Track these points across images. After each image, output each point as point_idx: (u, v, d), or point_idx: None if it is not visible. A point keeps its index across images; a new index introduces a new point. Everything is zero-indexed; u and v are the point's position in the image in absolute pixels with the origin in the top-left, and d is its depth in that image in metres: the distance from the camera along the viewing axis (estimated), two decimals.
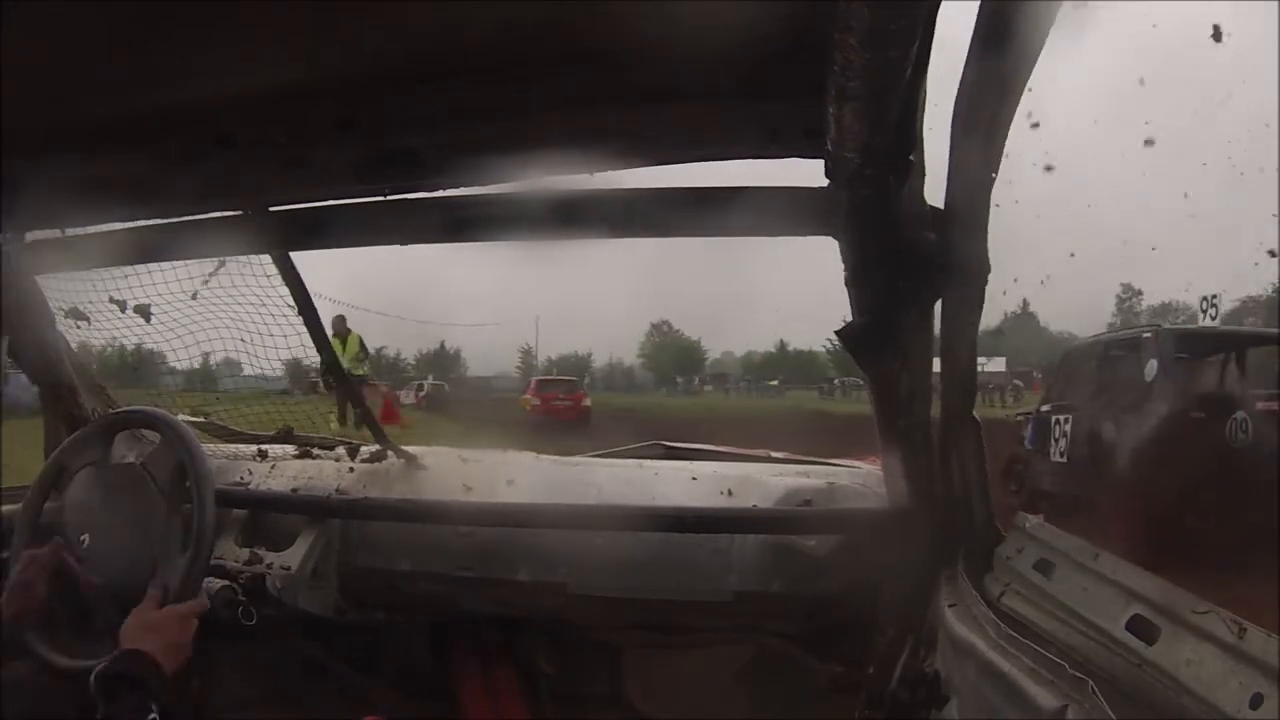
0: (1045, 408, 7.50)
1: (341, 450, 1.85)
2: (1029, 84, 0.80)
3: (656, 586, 1.52)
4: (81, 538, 1.37)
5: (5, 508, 1.57)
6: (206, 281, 1.51)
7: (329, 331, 1.67)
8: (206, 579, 1.45)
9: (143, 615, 1.16)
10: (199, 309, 1.60)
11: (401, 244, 1.27)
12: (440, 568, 1.62)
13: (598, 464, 1.78)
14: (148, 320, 1.58)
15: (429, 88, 1.01)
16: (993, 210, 0.92)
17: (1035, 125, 0.90)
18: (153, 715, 1.00)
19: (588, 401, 18.53)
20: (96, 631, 1.35)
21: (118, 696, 1.02)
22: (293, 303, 1.51)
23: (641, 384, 45.57)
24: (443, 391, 21.44)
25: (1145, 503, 4.84)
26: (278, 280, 1.50)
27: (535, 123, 1.05)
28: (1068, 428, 6.71)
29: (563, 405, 17.46)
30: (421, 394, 18.91)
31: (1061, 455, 6.76)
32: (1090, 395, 6.81)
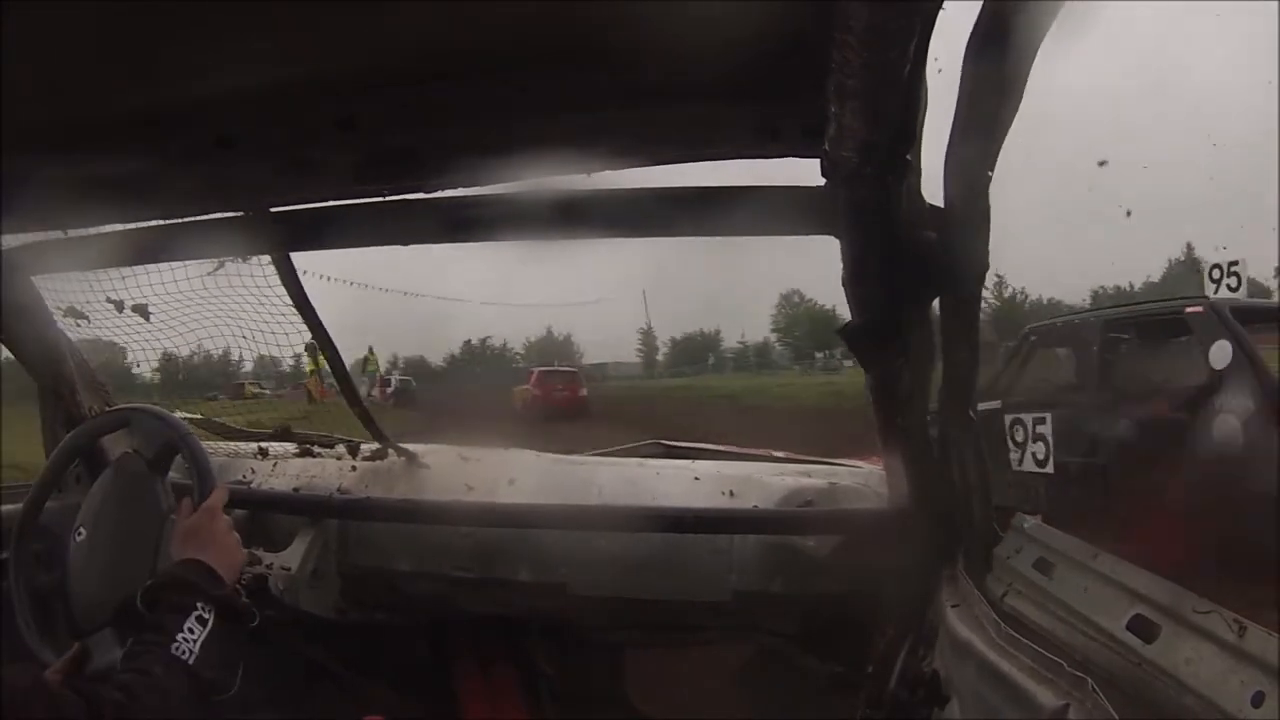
0: (985, 405, 6.19)
1: (342, 448, 1.85)
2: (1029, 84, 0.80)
3: (657, 587, 1.52)
4: (78, 530, 1.37)
5: (5, 507, 1.57)
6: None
7: None
8: None
9: (182, 526, 1.12)
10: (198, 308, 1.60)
11: (401, 244, 1.27)
12: (440, 568, 1.62)
13: (599, 464, 1.78)
14: (147, 320, 1.58)
15: (429, 88, 1.01)
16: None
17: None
18: (197, 613, 0.96)
19: (584, 391, 18.53)
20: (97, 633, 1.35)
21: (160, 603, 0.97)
22: (291, 302, 1.51)
23: (778, 360, 38.90)
24: (410, 388, 21.62)
25: (1233, 524, 3.58)
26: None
27: (535, 123, 1.05)
28: (1043, 429, 5.41)
29: (561, 395, 17.39)
30: (389, 390, 18.81)
31: (1041, 464, 5.34)
32: (1095, 387, 5.42)
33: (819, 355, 34.93)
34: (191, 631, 0.95)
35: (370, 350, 17.56)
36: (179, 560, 1.06)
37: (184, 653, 0.93)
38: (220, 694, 0.99)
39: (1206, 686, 0.75)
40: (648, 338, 41.74)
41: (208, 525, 1.11)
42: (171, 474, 1.54)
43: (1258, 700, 0.69)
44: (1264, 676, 0.70)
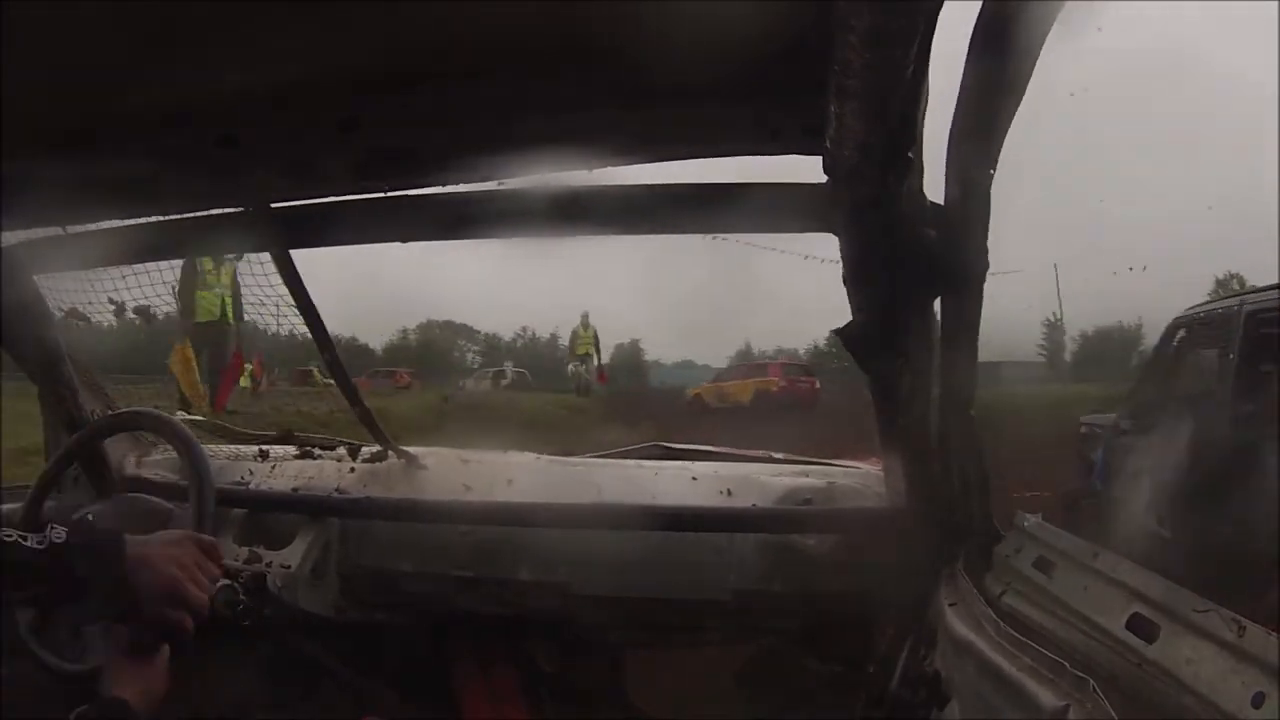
0: (1126, 422, 4.49)
1: (342, 450, 1.85)
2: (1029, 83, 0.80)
3: (656, 586, 1.52)
4: (86, 514, 1.37)
5: (5, 507, 1.57)
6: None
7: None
8: None
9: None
10: None
11: (402, 241, 1.27)
12: (440, 568, 1.62)
13: (597, 464, 1.78)
14: (148, 321, 1.58)
15: (429, 87, 1.01)
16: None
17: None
18: None
19: (818, 385, 17.56)
20: (97, 634, 1.35)
21: None
22: (292, 301, 1.51)
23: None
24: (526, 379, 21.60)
25: None
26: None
27: (535, 122, 1.05)
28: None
29: (803, 388, 16.96)
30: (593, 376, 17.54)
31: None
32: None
33: None
34: None
35: (584, 321, 15.88)
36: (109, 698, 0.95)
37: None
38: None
39: (1206, 686, 0.74)
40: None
41: (168, 552, 0.96)
42: (171, 475, 1.55)
43: (1258, 701, 0.69)
44: (1264, 677, 0.70)
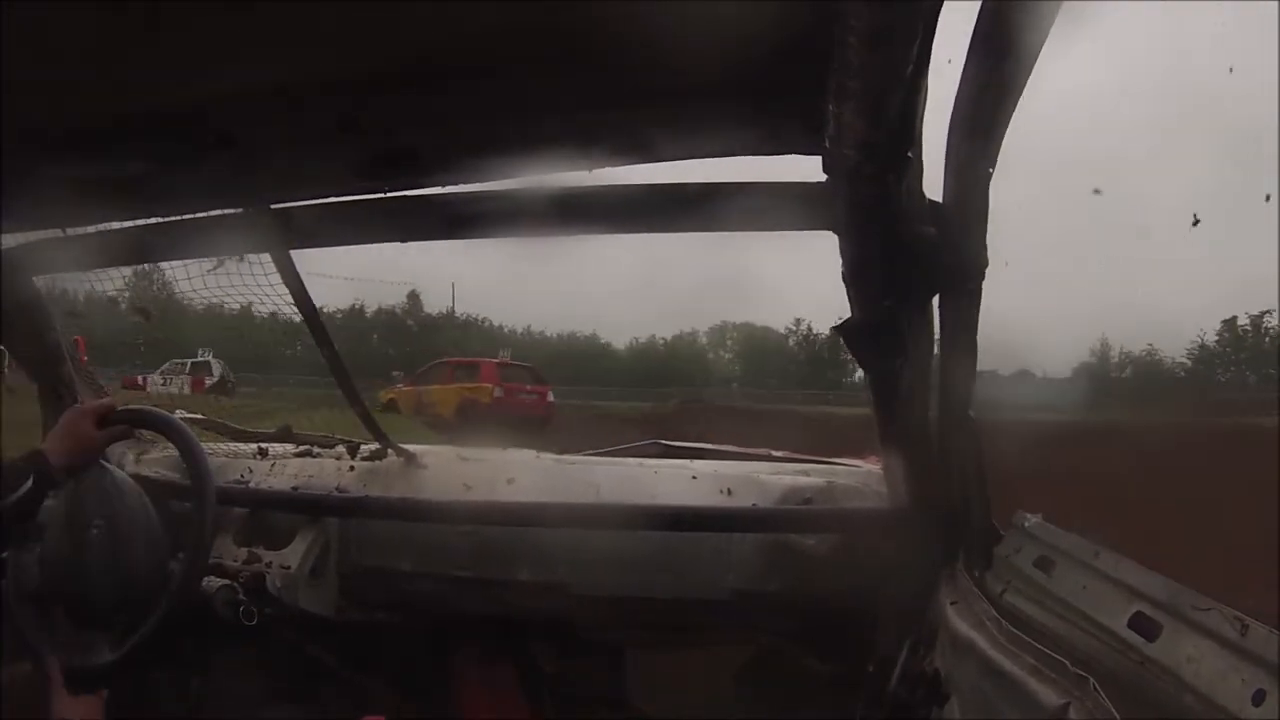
0: None
1: (342, 449, 1.85)
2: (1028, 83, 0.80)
3: (656, 586, 1.52)
4: (81, 539, 1.37)
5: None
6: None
7: None
8: (206, 578, 1.46)
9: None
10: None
11: (402, 241, 1.27)
12: (440, 567, 1.62)
13: (598, 463, 1.78)
14: (148, 320, 1.58)
15: (429, 87, 1.01)
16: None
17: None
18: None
19: (552, 397, 13.75)
20: (97, 632, 1.35)
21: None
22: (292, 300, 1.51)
23: None
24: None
25: None
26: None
27: (535, 122, 1.05)
28: None
29: (529, 400, 12.79)
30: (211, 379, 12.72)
31: None
32: None
33: None
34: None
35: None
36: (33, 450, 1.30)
37: None
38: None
39: (1207, 685, 0.74)
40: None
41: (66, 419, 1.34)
42: (171, 473, 1.55)
43: (1258, 699, 0.69)
44: (1265, 675, 0.70)
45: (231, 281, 1.49)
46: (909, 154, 0.84)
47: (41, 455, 1.28)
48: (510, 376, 12.80)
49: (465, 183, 1.16)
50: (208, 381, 11.53)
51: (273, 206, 1.27)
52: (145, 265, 1.56)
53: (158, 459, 1.82)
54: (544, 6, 0.87)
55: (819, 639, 1.58)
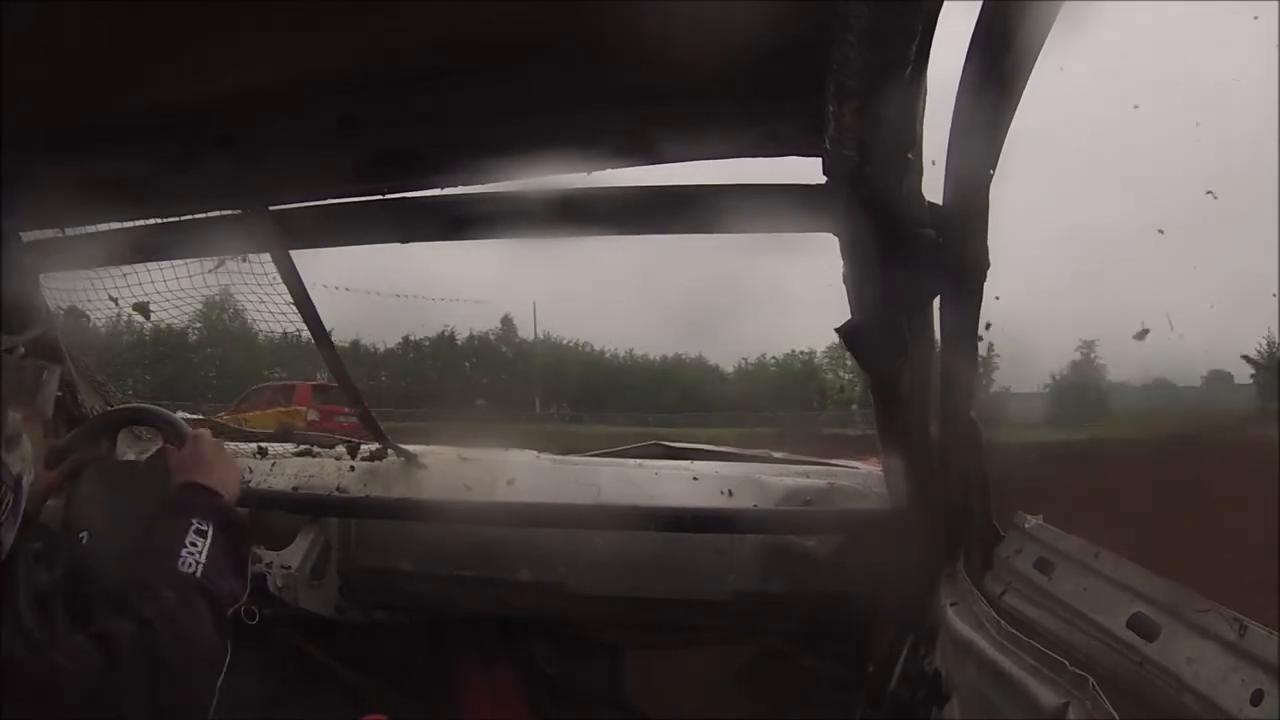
0: None
1: (342, 449, 1.85)
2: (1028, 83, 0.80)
3: (657, 586, 1.52)
4: (80, 535, 1.37)
5: None
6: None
7: None
8: None
9: (175, 462, 1.11)
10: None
11: (401, 242, 1.27)
12: (440, 567, 1.62)
13: (598, 464, 1.78)
14: (147, 319, 1.58)
15: (429, 87, 1.01)
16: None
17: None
18: (195, 528, 0.95)
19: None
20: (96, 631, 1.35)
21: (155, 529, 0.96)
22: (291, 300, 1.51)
23: None
24: None
25: None
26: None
27: (535, 122, 1.05)
28: None
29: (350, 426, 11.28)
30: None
31: None
32: None
33: None
34: (194, 545, 0.93)
35: None
36: (185, 481, 1.04)
37: (190, 566, 0.90)
38: (235, 602, 0.96)
39: (1206, 685, 0.75)
40: None
41: (198, 450, 1.10)
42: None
43: (1256, 699, 0.69)
44: (1263, 675, 0.70)
45: (232, 281, 1.49)
46: (909, 155, 0.84)
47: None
48: (327, 398, 11.68)
49: (465, 183, 1.15)
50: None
51: (272, 207, 1.27)
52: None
53: None
54: (544, 8, 0.87)
55: (819, 639, 1.58)
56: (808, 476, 1.57)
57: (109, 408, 1.70)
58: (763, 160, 1.04)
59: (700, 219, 1.15)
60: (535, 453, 1.82)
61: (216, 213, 1.30)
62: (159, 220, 1.33)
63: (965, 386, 1.10)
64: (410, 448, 1.79)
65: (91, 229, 1.39)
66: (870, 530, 1.43)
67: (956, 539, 1.21)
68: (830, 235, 1.03)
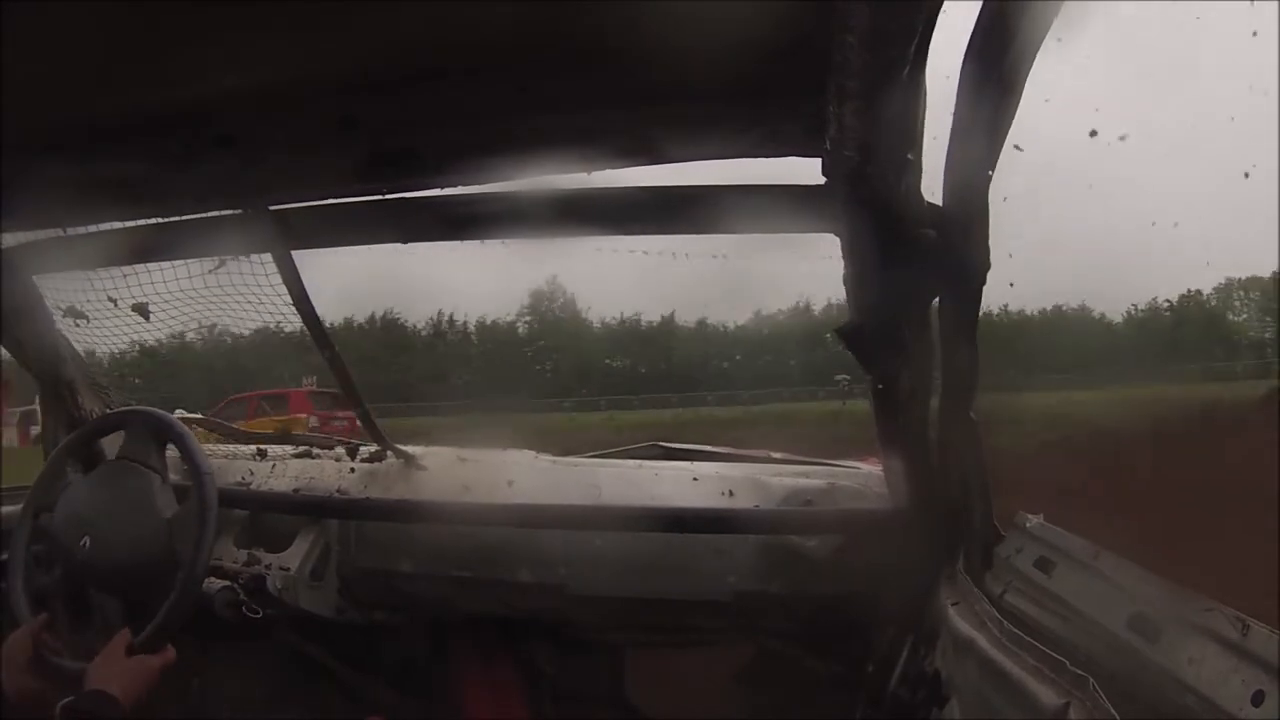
0: None
1: (341, 450, 1.85)
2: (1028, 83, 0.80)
3: (657, 587, 1.52)
4: (82, 541, 1.38)
5: (5, 509, 1.57)
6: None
7: None
8: (207, 579, 1.46)
9: (110, 659, 1.21)
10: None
11: (402, 242, 1.27)
12: (440, 568, 1.62)
13: (598, 464, 1.78)
14: (146, 319, 1.58)
15: (429, 87, 1.01)
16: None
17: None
18: None
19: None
20: (95, 632, 1.35)
21: None
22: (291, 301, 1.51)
23: None
24: None
25: None
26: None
27: (535, 123, 1.05)
28: None
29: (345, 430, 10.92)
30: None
31: None
32: None
33: None
34: None
35: None
36: (94, 689, 1.15)
37: None
38: None
39: (1207, 685, 0.74)
40: None
41: (139, 671, 1.21)
42: (173, 476, 1.55)
43: (1258, 699, 0.69)
44: (1265, 675, 0.70)
45: (232, 281, 1.48)
46: (909, 155, 0.84)
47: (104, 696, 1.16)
48: (321, 404, 11.73)
49: (465, 183, 1.15)
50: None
51: (272, 207, 1.27)
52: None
53: None
54: (544, 8, 0.87)
55: (819, 639, 1.58)
56: (808, 477, 1.57)
57: (108, 410, 1.71)
58: (763, 160, 1.04)
59: (700, 219, 1.15)
60: (534, 453, 1.82)
61: (216, 213, 1.30)
62: (159, 220, 1.33)
63: (965, 386, 1.10)
64: (409, 449, 1.79)
65: (91, 229, 1.39)
66: (871, 530, 1.43)
67: (957, 539, 1.21)
68: (830, 235, 1.04)
